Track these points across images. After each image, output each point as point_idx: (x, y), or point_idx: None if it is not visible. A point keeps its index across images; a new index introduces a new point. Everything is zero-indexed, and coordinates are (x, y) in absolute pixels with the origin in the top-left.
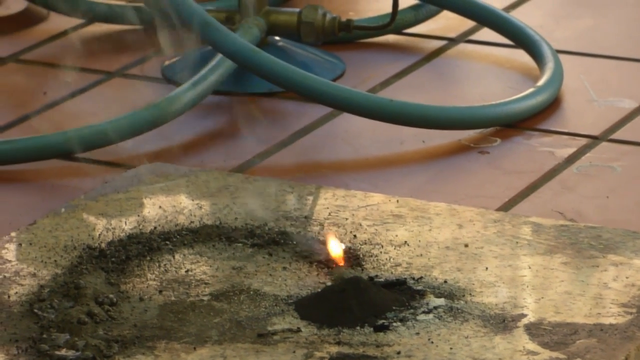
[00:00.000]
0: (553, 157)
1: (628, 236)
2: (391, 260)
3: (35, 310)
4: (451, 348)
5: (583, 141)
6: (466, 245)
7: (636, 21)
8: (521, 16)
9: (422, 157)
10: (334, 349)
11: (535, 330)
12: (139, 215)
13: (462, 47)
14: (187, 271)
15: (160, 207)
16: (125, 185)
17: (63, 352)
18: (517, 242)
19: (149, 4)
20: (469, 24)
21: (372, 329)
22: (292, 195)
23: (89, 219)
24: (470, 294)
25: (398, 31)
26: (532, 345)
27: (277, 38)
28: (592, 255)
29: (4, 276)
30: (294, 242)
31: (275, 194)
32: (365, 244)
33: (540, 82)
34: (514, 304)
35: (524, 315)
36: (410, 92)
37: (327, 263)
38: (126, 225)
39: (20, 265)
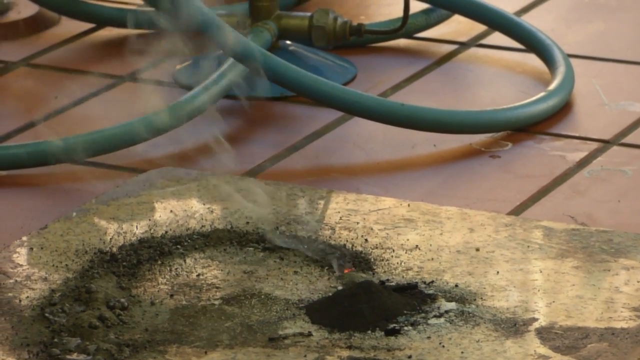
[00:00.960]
0: (564, 161)
1: (639, 240)
2: (402, 264)
3: (47, 315)
4: (462, 352)
5: (594, 145)
6: (477, 249)
7: None
8: (532, 20)
9: (434, 161)
10: (345, 353)
11: (546, 334)
12: (150, 220)
13: (473, 51)
14: (198, 275)
15: (171, 211)
16: (136, 190)
17: (74, 356)
18: (528, 246)
19: (161, 8)
20: (480, 28)
21: (383, 333)
22: (303, 200)
23: (100, 223)
24: (481, 298)
25: (409, 35)
26: (543, 350)
27: (288, 42)
28: (603, 259)
29: (16, 280)
30: (305, 247)
31: (287, 198)
32: (377, 248)
33: (552, 86)
34: (525, 307)
35: (535, 319)
36: (421, 96)
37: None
38: (137, 229)
39: (31, 269)
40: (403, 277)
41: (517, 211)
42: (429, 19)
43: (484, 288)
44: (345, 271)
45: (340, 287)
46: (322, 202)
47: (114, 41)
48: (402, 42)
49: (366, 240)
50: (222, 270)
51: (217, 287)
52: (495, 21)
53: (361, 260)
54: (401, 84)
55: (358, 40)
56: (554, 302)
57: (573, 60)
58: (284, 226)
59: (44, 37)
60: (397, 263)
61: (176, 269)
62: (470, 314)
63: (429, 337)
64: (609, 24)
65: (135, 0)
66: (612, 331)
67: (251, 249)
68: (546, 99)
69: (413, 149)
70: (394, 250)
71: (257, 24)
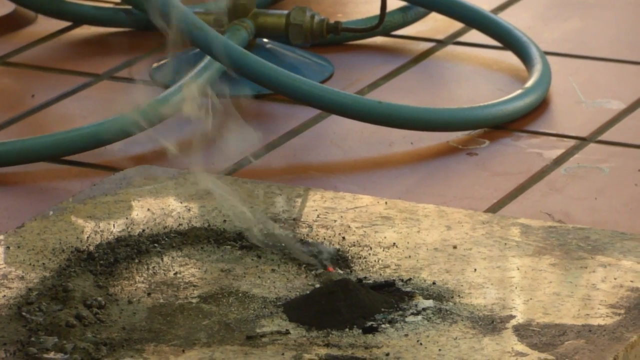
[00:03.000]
0: (541, 158)
1: (616, 237)
2: (380, 262)
3: (24, 314)
4: (440, 349)
5: (571, 142)
6: (455, 247)
7: (624, 23)
8: (509, 18)
9: (411, 158)
10: (323, 351)
11: (523, 331)
12: (127, 218)
13: (451, 48)
14: (175, 274)
15: (148, 209)
16: (113, 188)
17: (51, 355)
18: (505, 244)
19: (138, 6)
20: (457, 25)
21: (360, 330)
22: (280, 197)
23: (77, 222)
24: (459, 296)
25: (386, 33)
26: (520, 347)
27: (265, 40)
28: (580, 256)
29: None
30: (283, 245)
31: (264, 196)
32: (354, 245)
33: (529, 84)
34: (503, 305)
35: (512, 317)
36: (398, 94)
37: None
38: (114, 228)
39: (8, 268)
40: (380, 274)
41: (494, 209)
42: (406, 17)
43: (462, 285)
44: (329, 269)
45: (317, 285)
46: (299, 200)
47: (91, 39)
48: (379, 39)
49: (344, 238)
50: (199, 268)
51: (194, 286)
52: (472, 19)
53: (339, 258)
54: (378, 81)
55: (335, 38)
56: (531, 299)
57: (550, 58)
58: (261, 224)
59: (21, 35)
60: (375, 261)
61: (153, 267)
62: (448, 312)
63: (406, 335)
64: (585, 22)
65: None
66: (589, 328)
67: (228, 247)
68: (523, 97)
69: (390, 146)
70: (371, 248)
71: (234, 22)
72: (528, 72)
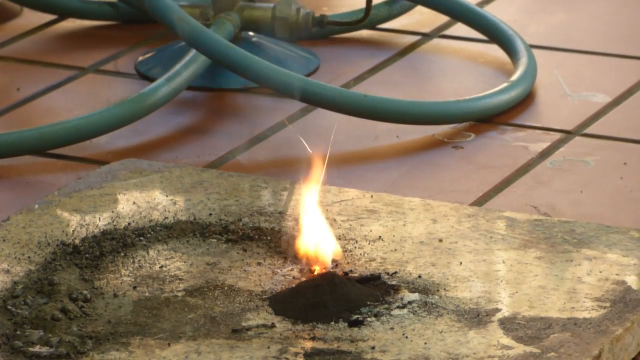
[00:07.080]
0: (527, 151)
1: (601, 230)
2: (365, 255)
3: (9, 307)
4: (425, 343)
5: (557, 136)
6: (440, 240)
7: (609, 16)
8: (495, 11)
9: (396, 152)
10: (309, 345)
11: (509, 324)
12: (113, 212)
13: (436, 42)
14: (161, 267)
15: (134, 203)
16: (99, 182)
17: (37, 348)
18: (491, 237)
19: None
20: (443, 19)
21: (346, 324)
22: (266, 191)
23: (62, 215)
24: (444, 289)
25: (372, 26)
26: (506, 340)
27: (251, 33)
28: (565, 249)
29: None
30: (268, 238)
31: (250, 190)
32: (340, 239)
33: (514, 77)
34: (488, 298)
35: (498, 310)
36: (384, 87)
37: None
38: (100, 221)
39: None
40: (366, 268)
41: (480, 202)
42: (392, 10)
43: (447, 279)
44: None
45: (303, 279)
46: (285, 193)
47: (77, 33)
48: (364, 33)
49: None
50: (185, 262)
51: (180, 279)
52: (457, 12)
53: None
54: (364, 75)
55: (321, 32)
56: (516, 292)
57: (535, 51)
58: (247, 217)
59: (6, 28)
60: (361, 254)
61: (139, 260)
62: (434, 305)
63: (392, 328)
64: (570, 15)
65: None
66: (574, 321)
67: (214, 240)
68: (509, 90)
69: (376, 140)
70: (357, 242)
71: (220, 15)
72: (513, 66)
